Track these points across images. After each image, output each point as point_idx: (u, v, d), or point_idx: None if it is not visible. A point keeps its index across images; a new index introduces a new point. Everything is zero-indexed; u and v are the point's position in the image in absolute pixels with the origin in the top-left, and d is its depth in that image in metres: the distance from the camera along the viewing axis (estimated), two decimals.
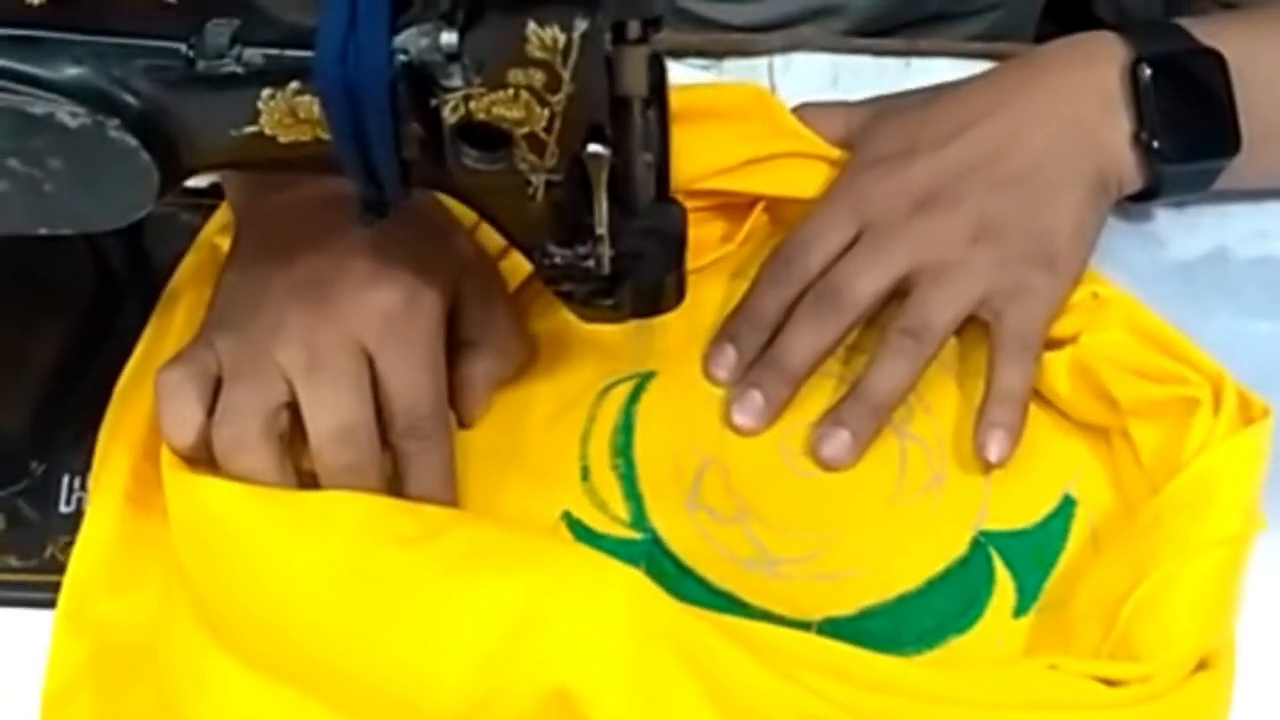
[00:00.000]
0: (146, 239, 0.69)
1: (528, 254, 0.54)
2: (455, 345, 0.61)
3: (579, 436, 0.64)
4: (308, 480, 0.56)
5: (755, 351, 0.65)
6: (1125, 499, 0.62)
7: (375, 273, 0.57)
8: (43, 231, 0.50)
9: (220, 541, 0.54)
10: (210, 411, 0.56)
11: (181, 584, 0.55)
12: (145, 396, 0.61)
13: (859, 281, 0.64)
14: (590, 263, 0.53)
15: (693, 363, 0.66)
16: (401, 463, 0.58)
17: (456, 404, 0.62)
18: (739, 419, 0.64)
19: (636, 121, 0.50)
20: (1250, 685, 0.56)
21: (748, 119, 0.70)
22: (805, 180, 0.69)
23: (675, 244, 0.56)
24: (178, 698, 0.53)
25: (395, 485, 0.58)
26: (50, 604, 0.58)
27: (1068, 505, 0.62)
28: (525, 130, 0.48)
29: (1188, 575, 0.54)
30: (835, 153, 0.70)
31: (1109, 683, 0.52)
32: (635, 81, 0.48)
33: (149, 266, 0.68)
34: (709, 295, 0.68)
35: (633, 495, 0.62)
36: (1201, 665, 0.54)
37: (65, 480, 0.62)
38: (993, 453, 0.62)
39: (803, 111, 0.71)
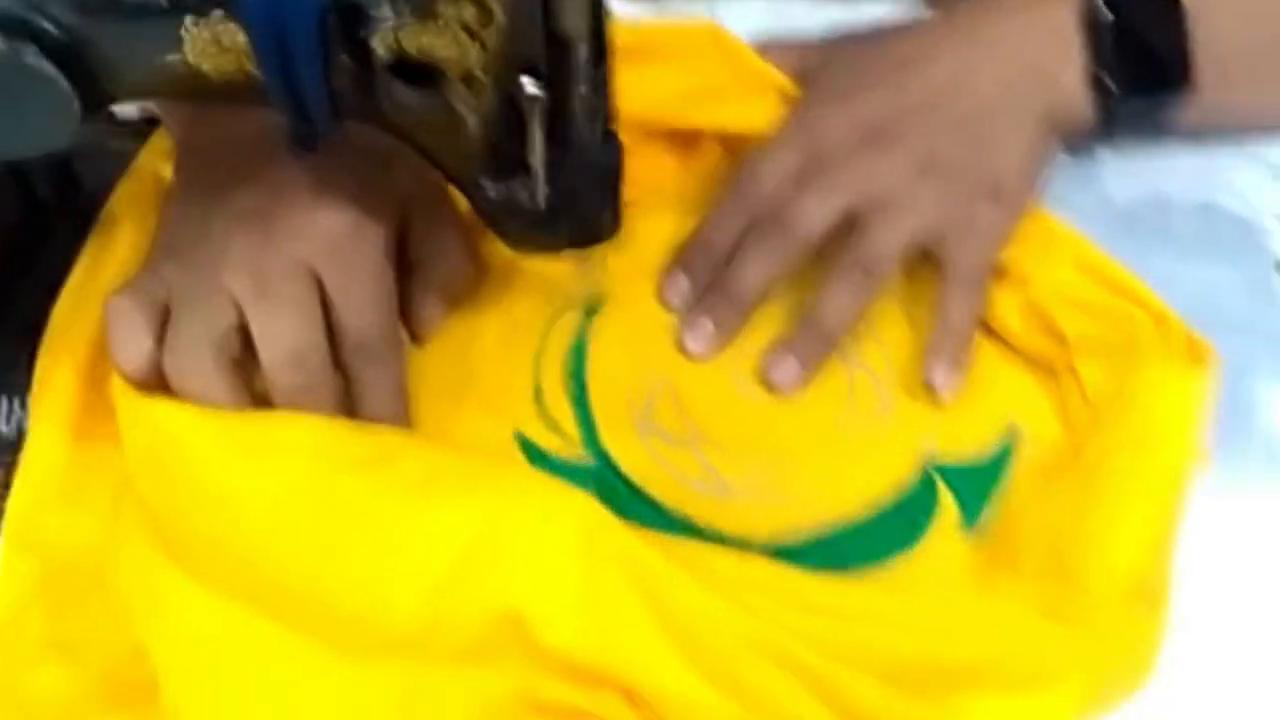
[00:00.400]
0: (75, 166, 0.68)
1: (463, 188, 0.54)
2: (405, 266, 0.61)
3: (531, 360, 0.64)
4: (261, 402, 0.56)
5: (707, 279, 0.66)
6: (1070, 432, 0.63)
7: (321, 196, 0.57)
8: None
9: (174, 463, 0.54)
10: (160, 339, 0.56)
11: (133, 504, 0.55)
12: (86, 321, 0.61)
13: (808, 212, 0.64)
14: (525, 197, 0.53)
15: (645, 290, 0.67)
16: (353, 383, 0.58)
17: (408, 321, 0.62)
18: (691, 345, 0.64)
19: (576, 60, 0.49)
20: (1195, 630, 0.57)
21: (702, 55, 0.70)
22: (759, 115, 0.69)
23: (612, 178, 0.55)
24: (130, 615, 0.53)
25: (348, 405, 0.58)
26: None
27: (1012, 435, 0.63)
28: (458, 66, 0.48)
29: (1129, 505, 0.56)
30: (790, 86, 0.70)
31: (1051, 608, 0.53)
32: (574, 18, 0.48)
33: (78, 193, 0.67)
34: (660, 226, 0.68)
35: (584, 417, 0.63)
36: (1140, 592, 0.55)
37: (4, 402, 0.62)
38: (939, 381, 0.63)
39: (762, 48, 0.71)
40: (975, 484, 0.62)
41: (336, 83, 0.48)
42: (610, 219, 0.57)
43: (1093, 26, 0.66)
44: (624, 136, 0.67)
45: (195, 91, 0.50)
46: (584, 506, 0.52)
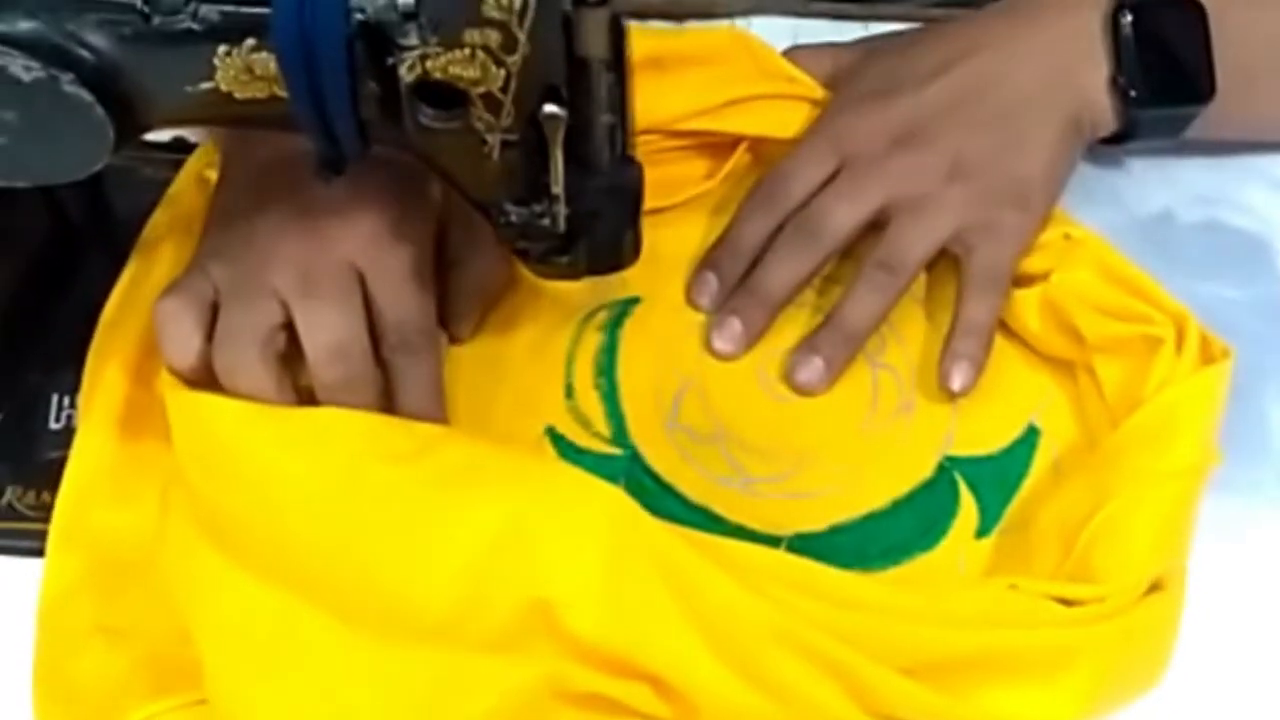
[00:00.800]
0: (107, 192, 0.69)
1: (485, 212, 0.55)
2: (443, 266, 0.63)
3: (564, 357, 0.66)
4: (305, 397, 0.58)
5: (736, 280, 0.67)
6: (1088, 430, 0.64)
7: (364, 199, 0.59)
8: None
9: (221, 455, 0.56)
10: (209, 337, 0.57)
11: (180, 496, 0.57)
12: (133, 322, 0.63)
13: (836, 214, 0.66)
14: (546, 221, 0.54)
15: (675, 291, 0.69)
16: (393, 378, 0.60)
17: (447, 321, 0.64)
18: (718, 344, 0.66)
19: (596, 83, 0.51)
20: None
21: (733, 62, 0.72)
22: (789, 120, 0.71)
23: (632, 202, 0.57)
24: (175, 600, 0.55)
25: (388, 400, 0.60)
26: (8, 551, 0.60)
27: (1032, 434, 0.65)
28: (482, 90, 0.49)
29: (1145, 503, 0.57)
30: (819, 93, 0.71)
31: (1066, 603, 0.55)
32: (595, 43, 0.49)
33: (109, 219, 0.69)
34: (692, 228, 0.71)
35: (614, 414, 0.65)
36: (1154, 588, 0.56)
37: (55, 399, 0.64)
38: (956, 382, 0.64)
39: (793, 54, 0.73)
40: (995, 482, 0.63)
41: (364, 109, 0.49)
42: (631, 243, 0.59)
43: (1117, 35, 0.68)
44: (656, 141, 0.70)
45: (227, 118, 0.52)
46: (612, 498, 0.54)
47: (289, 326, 0.57)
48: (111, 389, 0.61)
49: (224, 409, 0.56)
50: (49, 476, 0.61)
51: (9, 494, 0.62)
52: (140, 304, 0.64)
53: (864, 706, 0.53)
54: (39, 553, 0.59)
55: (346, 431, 0.56)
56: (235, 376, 0.57)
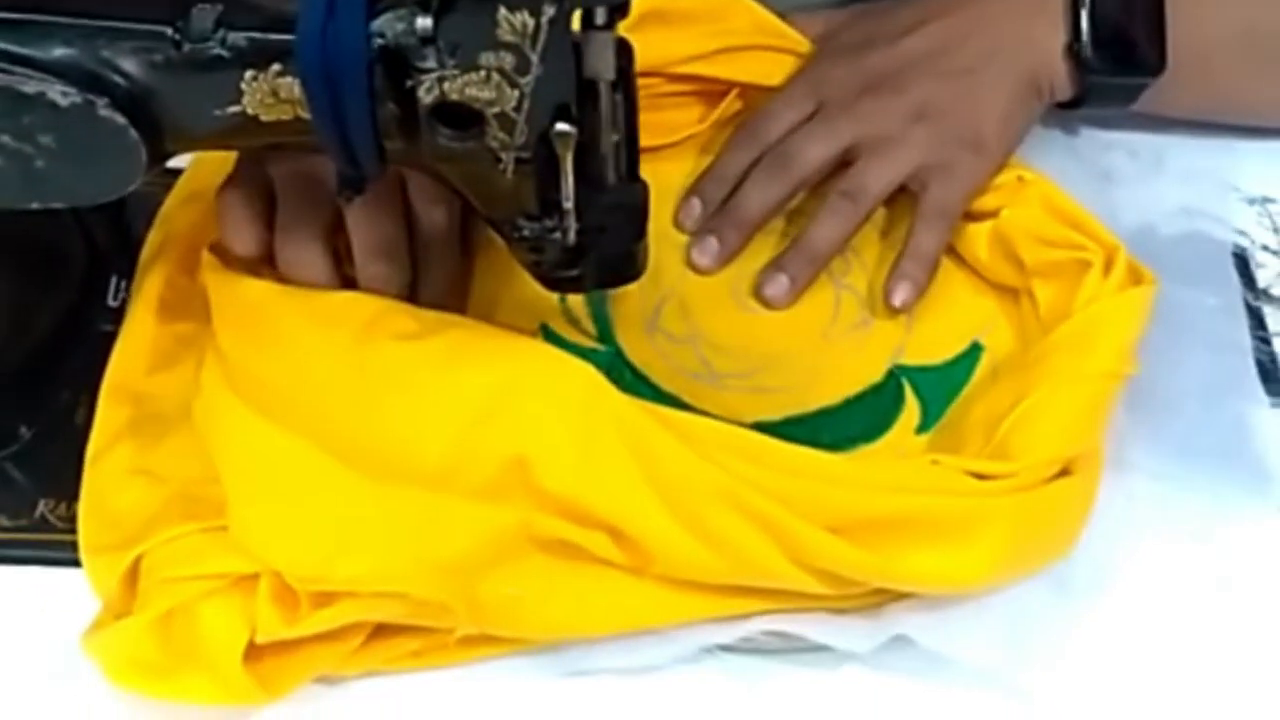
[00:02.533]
0: (129, 217, 0.73)
1: (498, 227, 0.59)
2: None
3: None
4: (349, 286, 0.65)
5: (717, 204, 0.75)
6: (1024, 344, 0.71)
7: None
8: (34, 205, 0.54)
9: (254, 327, 0.63)
10: (269, 225, 0.63)
11: (214, 360, 0.64)
12: (181, 224, 0.71)
13: (809, 148, 0.73)
14: (557, 235, 0.57)
15: (664, 219, 0.76)
16: (419, 275, 0.66)
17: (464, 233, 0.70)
18: (697, 259, 0.74)
19: (604, 103, 0.54)
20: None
21: (731, 17, 0.79)
22: (776, 70, 0.78)
23: (638, 217, 0.60)
24: (206, 443, 0.62)
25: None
26: (38, 561, 0.64)
27: (975, 350, 0.72)
28: (496, 110, 0.51)
29: (1061, 397, 0.63)
30: (805, 47, 0.79)
31: (981, 477, 0.61)
32: (603, 65, 0.52)
33: (131, 243, 0.72)
34: (681, 165, 0.78)
35: (601, 317, 0.72)
36: (1064, 472, 0.63)
37: (113, 280, 0.71)
38: (897, 299, 0.71)
39: (790, 16, 0.80)
40: (938, 388, 0.70)
41: (384, 130, 0.51)
42: (638, 257, 0.62)
43: (1075, 7, 0.74)
44: (657, 86, 0.77)
45: (252, 140, 0.54)
46: (586, 373, 0.61)
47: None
48: (157, 277, 0.69)
49: (261, 290, 0.63)
50: (79, 489, 0.64)
51: (41, 507, 0.65)
52: (190, 209, 0.71)
53: (793, 558, 0.59)
54: (70, 563, 0.63)
55: (363, 312, 0.63)
56: (297, 269, 0.63)
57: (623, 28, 0.70)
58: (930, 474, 0.62)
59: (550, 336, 0.71)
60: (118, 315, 0.69)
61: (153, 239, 0.72)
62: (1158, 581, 0.65)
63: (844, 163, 0.74)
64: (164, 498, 0.63)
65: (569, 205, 0.55)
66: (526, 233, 0.57)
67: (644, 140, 0.74)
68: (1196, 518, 0.67)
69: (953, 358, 0.71)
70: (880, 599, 0.63)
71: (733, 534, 0.59)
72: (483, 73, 0.50)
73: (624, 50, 0.54)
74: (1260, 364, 0.73)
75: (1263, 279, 0.76)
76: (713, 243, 0.74)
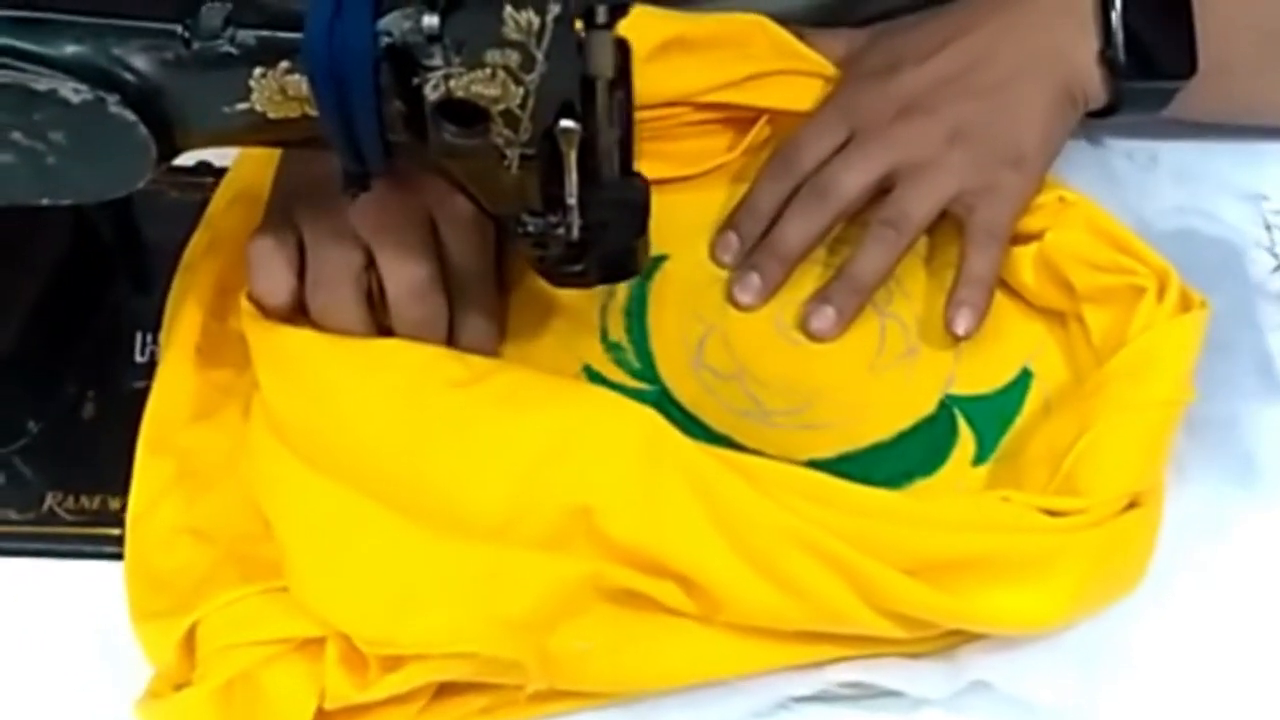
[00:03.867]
0: (135, 215, 0.73)
1: (502, 222, 0.59)
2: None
3: (598, 306, 0.72)
4: (383, 332, 0.63)
5: (755, 238, 0.73)
6: (1076, 371, 0.70)
7: None
8: (44, 202, 0.54)
9: (300, 380, 0.61)
10: (299, 275, 0.62)
11: (260, 411, 0.62)
12: (210, 267, 0.69)
13: (846, 178, 0.72)
14: (561, 230, 0.57)
15: (699, 249, 0.75)
16: (456, 316, 0.65)
17: (503, 270, 0.69)
18: (739, 296, 0.72)
19: (603, 100, 0.53)
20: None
21: (752, 42, 0.78)
22: (804, 95, 0.77)
23: (639, 213, 0.60)
24: (256, 499, 0.61)
25: (449, 338, 0.65)
26: (47, 554, 0.64)
27: (1025, 376, 0.71)
28: (501, 107, 0.51)
29: (1125, 429, 0.62)
30: (831, 70, 0.77)
31: (1052, 513, 0.61)
32: (603, 63, 0.52)
33: (138, 241, 0.73)
34: (714, 195, 0.76)
35: (644, 355, 0.71)
36: (1132, 504, 0.62)
37: (138, 335, 0.69)
38: (960, 326, 0.70)
39: (808, 36, 0.79)
40: (991, 418, 0.69)
41: (390, 127, 0.51)
42: (639, 252, 0.62)
43: (1106, 12, 0.73)
44: (684, 114, 0.76)
45: (261, 137, 0.54)
46: (647, 416, 0.60)
47: (368, 267, 0.62)
48: (190, 324, 0.67)
49: (304, 339, 0.62)
50: (86, 482, 0.65)
51: (49, 500, 0.65)
52: (215, 255, 0.70)
53: (867, 601, 0.59)
54: (79, 555, 0.64)
55: (411, 360, 0.62)
56: (331, 315, 0.62)
57: (645, 57, 0.71)
58: (1002, 511, 0.61)
59: (594, 377, 0.70)
60: (120, 309, 0.70)
61: (198, 240, 0.71)
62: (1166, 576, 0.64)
63: (882, 189, 0.73)
64: (215, 558, 0.61)
65: (573, 201, 0.55)
66: (531, 228, 0.58)
67: (673, 170, 0.75)
68: (1194, 515, 0.66)
69: (1003, 385, 0.70)
70: (954, 641, 0.62)
71: (806, 578, 0.58)
72: (488, 70, 0.50)
73: (622, 49, 0.55)
74: (1255, 360, 0.73)
75: (1255, 276, 0.76)
76: (754, 279, 0.72)
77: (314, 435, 0.61)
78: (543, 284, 0.71)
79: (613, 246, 0.61)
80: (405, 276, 0.62)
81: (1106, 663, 0.62)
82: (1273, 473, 0.69)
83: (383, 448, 0.60)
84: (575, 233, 0.57)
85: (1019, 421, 0.69)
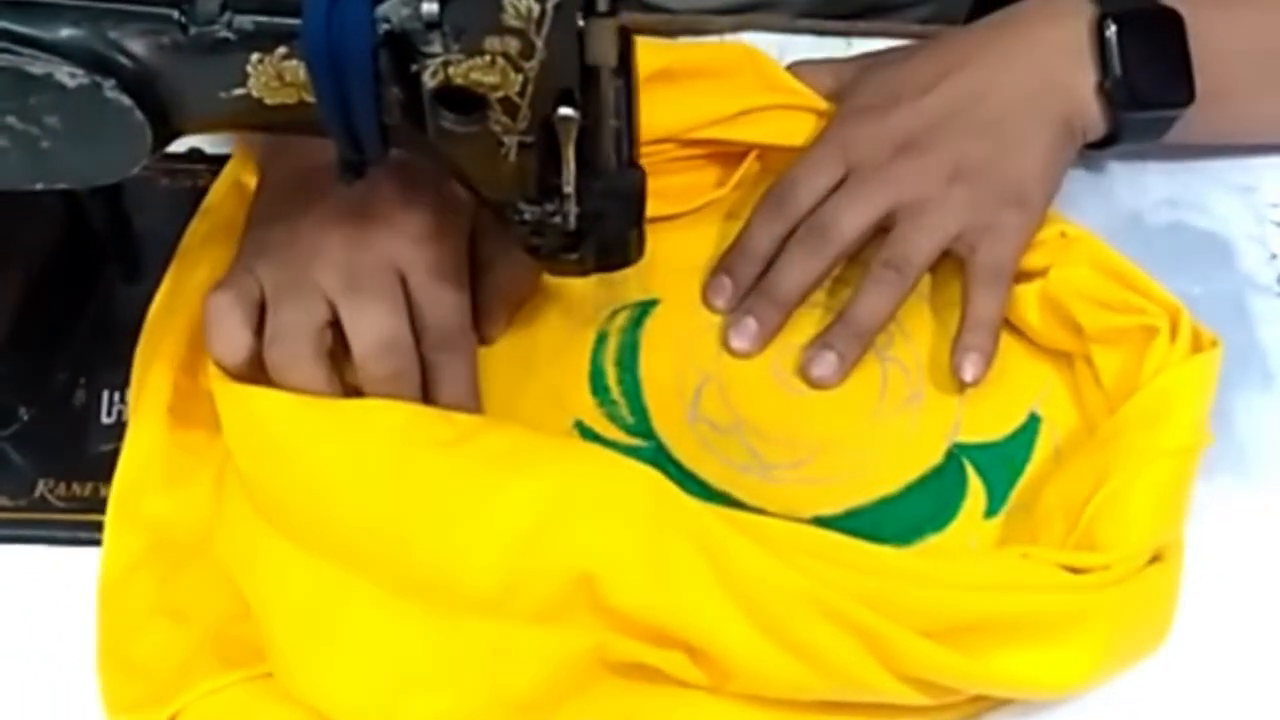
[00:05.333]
0: (127, 202, 0.72)
1: (499, 211, 0.58)
2: (475, 267, 0.66)
3: (588, 355, 0.69)
4: (351, 392, 0.61)
5: (750, 282, 0.71)
6: (1086, 416, 0.68)
7: (405, 199, 0.62)
8: (39, 186, 0.53)
9: (273, 445, 0.58)
10: (258, 332, 0.60)
11: (234, 479, 0.59)
12: (179, 322, 0.66)
13: (844, 218, 0.69)
14: (558, 219, 0.57)
15: (691, 293, 0.72)
16: (431, 373, 0.62)
17: (478, 321, 0.67)
18: (735, 343, 0.70)
19: (605, 89, 0.53)
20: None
21: (740, 74, 0.75)
22: (794, 130, 0.74)
23: (636, 203, 0.59)
24: (234, 578, 0.58)
25: (426, 395, 0.62)
26: (38, 540, 0.63)
27: (1034, 421, 0.68)
28: (500, 94, 0.51)
29: (1143, 479, 0.60)
30: (823, 104, 0.75)
31: (1073, 570, 0.58)
32: (604, 51, 0.51)
33: (129, 228, 0.72)
34: (705, 234, 0.74)
35: (638, 408, 0.68)
36: (1155, 558, 0.60)
37: (105, 395, 0.67)
38: (968, 373, 0.68)
39: (795, 69, 0.77)
40: (1001, 466, 0.67)
41: (387, 114, 0.51)
42: (635, 242, 0.61)
43: (1102, 44, 0.71)
44: (670, 151, 0.74)
45: (258, 123, 0.53)
46: (649, 477, 0.57)
47: (335, 323, 0.60)
48: (160, 382, 0.64)
49: (273, 401, 0.59)
50: (78, 468, 0.64)
51: (40, 486, 0.64)
52: (183, 304, 0.66)
53: (888, 667, 0.56)
54: (71, 542, 0.62)
55: (391, 420, 0.59)
56: (288, 372, 0.59)
57: None
58: (1022, 569, 0.59)
59: (586, 433, 0.67)
60: (112, 297, 0.69)
61: (196, 228, 0.70)
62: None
63: (881, 229, 0.70)
64: (193, 641, 0.58)
65: (570, 190, 0.55)
66: (527, 216, 0.57)
67: (662, 208, 0.73)
68: (1197, 508, 0.64)
69: (1012, 432, 0.68)
70: (977, 708, 0.59)
71: (823, 643, 0.56)
72: (487, 57, 0.50)
73: (624, 37, 0.54)
74: (1246, 351, 0.72)
75: (1246, 267, 0.75)
76: (751, 324, 0.70)
77: (290, 505, 0.58)
78: (527, 336, 0.69)
79: (609, 235, 0.60)
80: (370, 331, 0.60)
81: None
82: (1266, 463, 0.68)
83: (365, 517, 0.57)
84: (572, 221, 0.57)
85: (1030, 470, 0.67)
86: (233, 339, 0.60)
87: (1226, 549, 0.65)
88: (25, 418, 0.66)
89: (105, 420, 0.66)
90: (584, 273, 0.62)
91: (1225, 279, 0.75)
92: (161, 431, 0.63)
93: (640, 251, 0.62)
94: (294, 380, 0.59)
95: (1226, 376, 0.68)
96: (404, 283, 0.61)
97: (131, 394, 0.65)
